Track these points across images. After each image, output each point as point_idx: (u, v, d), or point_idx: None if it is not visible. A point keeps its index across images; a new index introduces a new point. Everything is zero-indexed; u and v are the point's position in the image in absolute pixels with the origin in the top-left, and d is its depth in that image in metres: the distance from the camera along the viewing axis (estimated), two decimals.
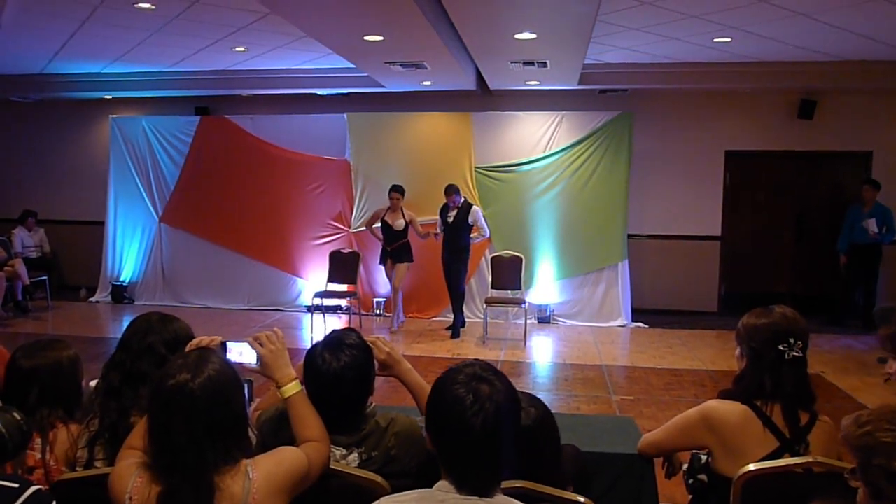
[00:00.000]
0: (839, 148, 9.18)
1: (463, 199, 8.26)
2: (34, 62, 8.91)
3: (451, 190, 8.23)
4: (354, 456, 2.06)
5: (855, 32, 6.73)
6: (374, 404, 2.16)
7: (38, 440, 2.13)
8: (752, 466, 2.11)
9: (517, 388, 2.24)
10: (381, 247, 8.59)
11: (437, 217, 8.39)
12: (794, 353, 2.20)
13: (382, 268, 8.70)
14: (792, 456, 2.15)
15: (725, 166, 9.48)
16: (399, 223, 8.31)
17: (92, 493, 1.74)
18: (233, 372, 1.79)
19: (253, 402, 2.49)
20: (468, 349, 7.56)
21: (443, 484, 1.57)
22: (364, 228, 9.00)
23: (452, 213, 8.18)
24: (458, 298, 8.29)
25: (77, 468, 2.10)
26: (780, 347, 2.20)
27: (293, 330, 8.54)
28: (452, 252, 8.18)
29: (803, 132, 9.16)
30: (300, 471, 1.81)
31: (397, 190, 8.34)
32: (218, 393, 1.70)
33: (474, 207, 8.27)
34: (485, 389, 1.56)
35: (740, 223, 9.62)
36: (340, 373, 2.04)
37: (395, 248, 8.37)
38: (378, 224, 8.53)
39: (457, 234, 8.15)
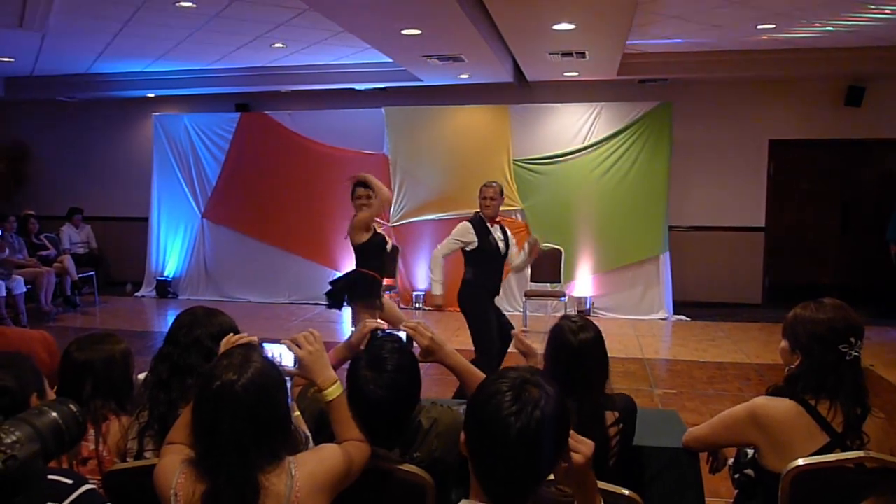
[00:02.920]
0: (888, 136, 8.92)
1: None
2: (79, 62, 9.11)
3: (495, 190, 5.30)
4: (396, 455, 2.05)
5: None
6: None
7: (92, 432, 2.19)
8: (801, 461, 2.07)
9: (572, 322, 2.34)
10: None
11: (468, 238, 5.26)
12: (854, 353, 2.15)
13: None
14: (843, 451, 2.10)
15: (769, 156, 9.30)
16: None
17: (142, 482, 1.78)
18: (276, 371, 1.78)
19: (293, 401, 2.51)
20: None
21: (465, 503, 1.43)
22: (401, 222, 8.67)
23: (498, 235, 5.32)
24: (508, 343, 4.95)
25: (128, 459, 2.15)
26: (842, 348, 2.14)
27: (333, 325, 8.59)
28: (496, 291, 5.46)
29: (851, 120, 8.92)
30: (342, 469, 1.81)
31: (362, 185, 5.16)
32: (263, 393, 1.69)
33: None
34: (533, 392, 1.38)
35: (785, 214, 9.42)
36: (384, 400, 1.97)
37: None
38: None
39: (503, 264, 5.44)
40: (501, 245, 5.32)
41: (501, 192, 5.41)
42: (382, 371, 1.99)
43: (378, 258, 5.31)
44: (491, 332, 5.24)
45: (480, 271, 5.28)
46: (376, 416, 2.00)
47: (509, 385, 1.40)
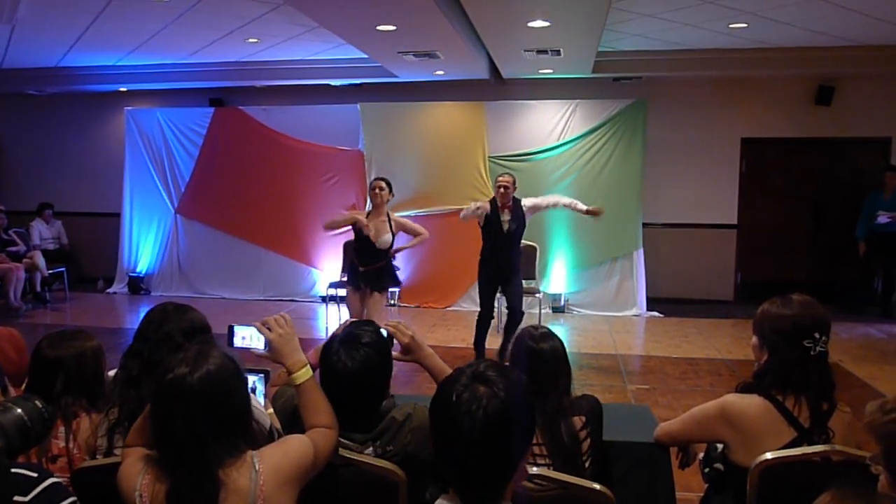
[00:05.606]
0: (858, 134, 9.07)
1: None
2: (50, 55, 8.96)
3: (508, 180, 6.21)
4: (370, 451, 2.05)
5: (873, 16, 6.64)
6: (391, 397, 2.15)
7: (62, 429, 2.17)
8: (768, 455, 2.11)
9: (542, 325, 2.41)
10: (349, 259, 6.32)
11: (480, 217, 6.23)
12: (820, 349, 2.18)
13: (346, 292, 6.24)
14: (809, 446, 2.13)
15: (742, 153, 9.40)
16: (385, 239, 5.87)
17: (111, 480, 1.76)
18: (234, 366, 1.77)
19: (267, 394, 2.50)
20: None
21: (441, 502, 1.46)
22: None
23: (507, 218, 6.19)
24: (517, 323, 6.18)
25: (97, 456, 2.13)
26: (806, 343, 2.17)
27: (308, 320, 8.57)
28: (507, 267, 6.22)
29: (821, 118, 9.05)
30: (307, 460, 1.80)
31: (382, 179, 6.06)
32: (217, 387, 1.68)
33: (525, 200, 6.36)
34: (481, 390, 1.41)
35: (757, 211, 9.53)
36: (355, 374, 2.01)
37: (371, 271, 5.93)
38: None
39: (514, 244, 6.28)
40: (507, 228, 6.13)
41: (514, 183, 6.25)
42: (356, 346, 2.03)
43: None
44: (482, 296, 6.38)
45: (490, 248, 6.24)
46: (347, 392, 2.02)
47: (461, 385, 1.44)
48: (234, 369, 1.76)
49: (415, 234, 6.19)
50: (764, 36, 7.51)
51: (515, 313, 6.25)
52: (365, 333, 2.09)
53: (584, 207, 6.37)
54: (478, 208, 6.15)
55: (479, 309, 6.45)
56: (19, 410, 1.33)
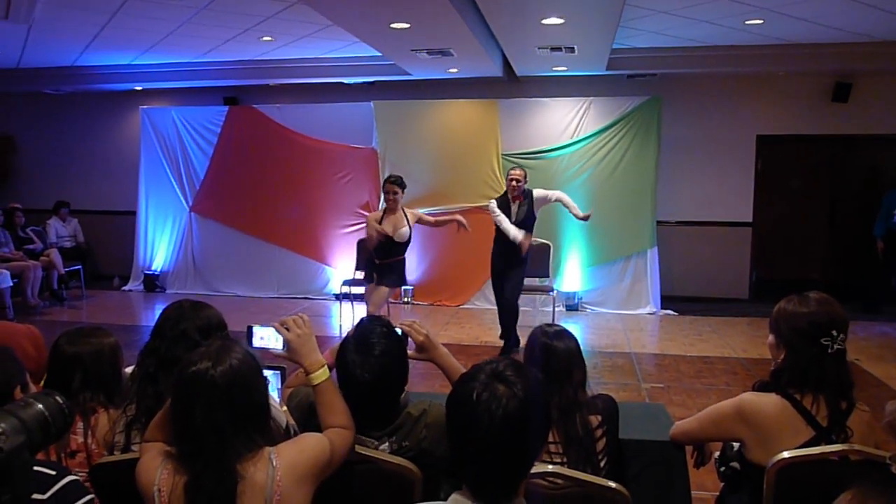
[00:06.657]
0: (875, 131, 8.98)
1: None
2: (66, 55, 9.03)
3: (520, 174, 6.43)
4: (385, 446, 2.05)
5: (891, 12, 6.57)
6: (406, 393, 2.15)
7: (81, 425, 2.19)
8: (786, 454, 2.09)
9: (557, 328, 2.37)
10: (369, 257, 6.61)
11: (494, 210, 6.49)
12: (837, 346, 2.16)
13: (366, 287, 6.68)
14: (828, 445, 2.11)
15: (757, 151, 9.34)
16: (403, 232, 6.16)
17: (129, 476, 1.78)
18: (255, 362, 1.79)
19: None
20: (496, 337, 7.53)
21: (455, 497, 1.47)
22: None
23: (516, 209, 6.45)
24: (512, 316, 6.64)
25: (115, 452, 2.15)
26: (823, 341, 2.15)
27: (322, 318, 8.59)
28: (510, 257, 6.41)
29: (838, 115, 8.97)
30: (324, 457, 1.81)
31: (395, 182, 6.22)
32: (238, 382, 1.70)
33: (536, 190, 6.52)
34: (500, 390, 1.43)
35: (772, 209, 9.47)
36: (371, 382, 2.00)
37: (385, 265, 6.30)
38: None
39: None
40: (514, 218, 6.38)
41: (524, 176, 6.47)
42: (370, 355, 2.02)
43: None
44: (494, 287, 6.77)
45: (497, 239, 6.54)
46: (364, 399, 2.02)
47: (480, 383, 1.45)
48: (255, 366, 1.78)
49: (434, 224, 6.73)
50: (780, 32, 7.45)
51: (509, 304, 6.56)
52: (379, 336, 2.07)
53: (580, 213, 6.50)
54: (498, 214, 6.46)
55: (490, 307, 6.67)
56: (40, 406, 1.34)
